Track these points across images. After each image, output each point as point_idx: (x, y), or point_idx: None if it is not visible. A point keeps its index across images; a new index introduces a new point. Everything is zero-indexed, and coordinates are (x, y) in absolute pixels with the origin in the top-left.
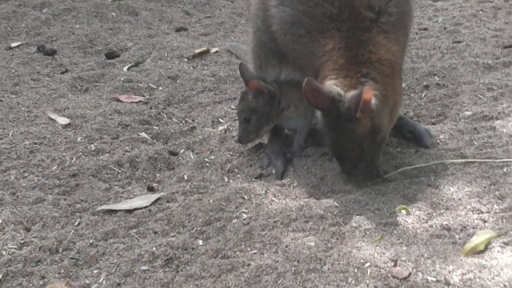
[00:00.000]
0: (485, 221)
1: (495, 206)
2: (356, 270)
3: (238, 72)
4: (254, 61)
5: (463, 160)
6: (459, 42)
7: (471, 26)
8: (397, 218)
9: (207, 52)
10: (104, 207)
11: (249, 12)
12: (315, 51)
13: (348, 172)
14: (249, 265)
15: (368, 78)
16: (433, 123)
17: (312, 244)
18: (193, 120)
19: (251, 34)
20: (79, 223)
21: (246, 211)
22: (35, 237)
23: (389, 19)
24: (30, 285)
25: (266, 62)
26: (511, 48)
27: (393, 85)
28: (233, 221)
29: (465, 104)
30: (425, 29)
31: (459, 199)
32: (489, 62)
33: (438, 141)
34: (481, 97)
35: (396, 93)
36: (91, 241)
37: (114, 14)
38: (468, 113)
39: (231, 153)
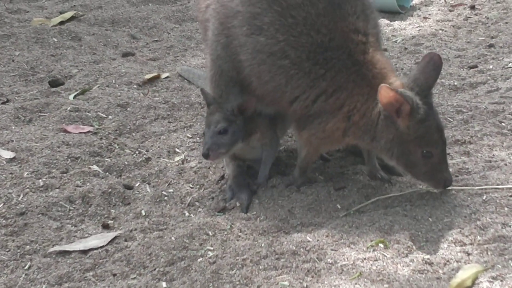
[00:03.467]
0: (469, 254)
1: (478, 237)
2: None
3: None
4: (213, 90)
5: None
6: None
7: (432, 46)
8: (375, 253)
9: (157, 77)
10: (57, 248)
11: (207, 38)
12: (316, 85)
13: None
14: None
15: None
16: None
17: (286, 283)
18: (147, 151)
19: (209, 61)
20: (29, 267)
21: (212, 248)
22: None
23: (374, 39)
24: None
25: (227, 92)
26: (476, 69)
27: None
28: (199, 260)
29: None
30: (385, 49)
31: (439, 230)
32: (455, 83)
33: None
34: (451, 120)
35: None
36: (44, 286)
37: (55, 40)
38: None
39: (191, 185)
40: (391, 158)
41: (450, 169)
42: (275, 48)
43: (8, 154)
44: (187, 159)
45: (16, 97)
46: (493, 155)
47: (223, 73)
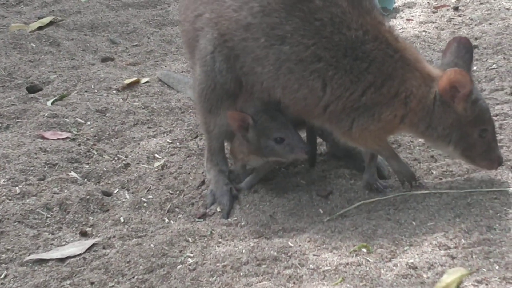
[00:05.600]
0: (453, 258)
1: (463, 241)
2: None
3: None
4: (202, 104)
5: (424, 192)
6: None
7: (416, 48)
8: (358, 258)
9: (137, 82)
10: (33, 256)
11: (195, 49)
12: (361, 79)
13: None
14: None
15: None
16: None
17: None
18: (126, 157)
19: (200, 73)
20: (5, 276)
21: (192, 255)
22: None
23: (394, 30)
24: None
25: (217, 106)
26: None
27: None
28: (178, 267)
29: None
30: None
31: (423, 234)
32: None
33: None
34: None
35: None
36: None
37: (34, 45)
38: (422, 140)
39: (170, 191)
40: (448, 144)
41: (434, 172)
42: (304, 54)
43: None
44: (166, 165)
45: None
46: None
47: (217, 87)
